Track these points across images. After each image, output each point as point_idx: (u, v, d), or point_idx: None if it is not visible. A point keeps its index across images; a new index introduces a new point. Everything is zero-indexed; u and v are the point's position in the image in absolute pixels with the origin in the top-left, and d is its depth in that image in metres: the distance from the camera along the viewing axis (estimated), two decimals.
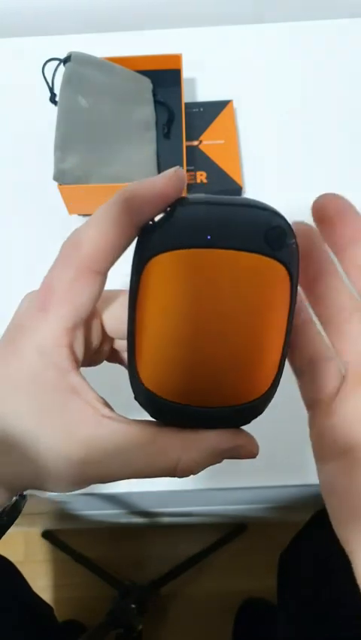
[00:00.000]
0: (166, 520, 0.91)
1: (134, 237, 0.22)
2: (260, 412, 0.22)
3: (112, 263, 0.22)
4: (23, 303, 0.24)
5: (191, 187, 0.56)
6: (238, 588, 0.99)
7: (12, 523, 0.27)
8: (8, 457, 0.22)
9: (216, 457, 0.22)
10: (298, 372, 0.24)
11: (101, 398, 0.23)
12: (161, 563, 1.00)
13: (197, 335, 0.21)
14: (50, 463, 0.21)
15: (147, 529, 1.00)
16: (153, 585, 0.95)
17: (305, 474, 0.45)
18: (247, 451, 0.23)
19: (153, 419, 0.23)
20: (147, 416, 0.23)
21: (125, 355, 0.27)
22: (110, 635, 0.84)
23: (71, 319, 0.22)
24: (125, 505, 0.72)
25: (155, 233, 0.21)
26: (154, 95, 0.60)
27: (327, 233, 0.22)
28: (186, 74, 0.60)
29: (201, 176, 0.57)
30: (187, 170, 0.56)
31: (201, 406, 0.21)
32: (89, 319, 0.24)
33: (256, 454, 0.23)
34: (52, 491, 0.23)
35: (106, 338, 0.26)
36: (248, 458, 0.23)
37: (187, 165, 0.56)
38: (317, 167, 0.60)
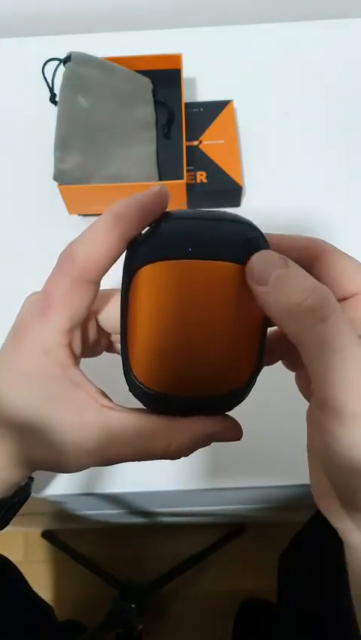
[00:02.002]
0: (166, 520, 0.90)
1: (124, 249, 0.24)
2: (241, 400, 0.25)
3: (104, 272, 0.24)
4: (25, 305, 0.26)
5: (191, 187, 0.56)
6: (238, 588, 0.99)
7: (23, 503, 0.31)
8: (26, 441, 0.25)
9: (204, 440, 0.25)
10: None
11: (100, 389, 0.26)
12: (161, 562, 1.00)
13: (181, 335, 0.23)
14: (59, 448, 0.24)
15: (147, 529, 1.00)
16: (153, 585, 0.95)
17: (305, 474, 0.45)
18: (232, 434, 0.25)
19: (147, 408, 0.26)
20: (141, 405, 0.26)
21: None
22: (110, 635, 0.84)
23: (69, 323, 0.24)
24: (125, 505, 0.72)
25: (142, 246, 0.24)
26: (154, 95, 0.60)
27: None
28: (186, 74, 0.60)
29: (201, 176, 0.57)
30: (187, 170, 0.56)
31: (188, 396, 0.24)
32: (86, 320, 0.27)
33: (240, 437, 0.26)
34: (62, 472, 0.26)
35: (102, 333, 0.29)
36: (233, 441, 0.26)
37: (187, 165, 0.56)
38: (316, 167, 0.60)
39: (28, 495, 0.31)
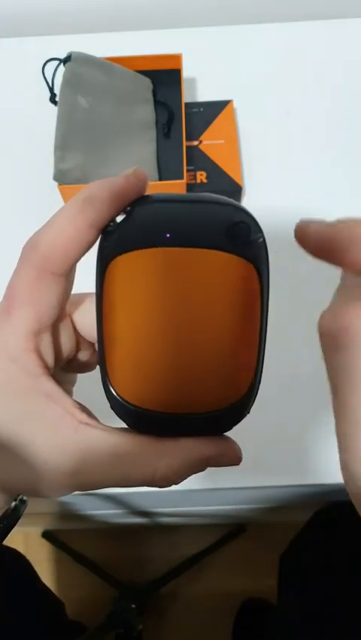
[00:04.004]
0: (166, 520, 0.91)
1: (96, 239, 0.21)
2: (240, 418, 0.22)
3: (72, 263, 0.21)
4: None
5: (191, 187, 0.56)
6: (238, 588, 0.99)
7: (12, 528, 0.27)
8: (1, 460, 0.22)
9: (197, 465, 0.22)
10: None
11: (79, 403, 0.23)
12: (161, 563, 1.00)
13: (165, 339, 0.20)
14: (31, 470, 0.21)
15: (147, 529, 1.00)
16: (152, 585, 0.95)
17: (305, 474, 0.45)
18: (229, 458, 0.22)
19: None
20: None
21: None
22: (110, 635, 0.84)
23: (35, 323, 0.21)
24: (125, 505, 0.72)
25: (113, 235, 0.21)
26: (154, 95, 0.60)
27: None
28: (186, 74, 0.60)
29: (201, 176, 0.57)
30: (187, 170, 0.56)
31: (176, 413, 0.21)
32: (57, 322, 0.24)
33: (239, 461, 0.22)
34: (38, 496, 0.22)
35: (83, 342, 0.26)
36: (231, 465, 0.22)
37: (187, 165, 0.56)
38: (316, 167, 0.60)
39: (18, 518, 0.27)
